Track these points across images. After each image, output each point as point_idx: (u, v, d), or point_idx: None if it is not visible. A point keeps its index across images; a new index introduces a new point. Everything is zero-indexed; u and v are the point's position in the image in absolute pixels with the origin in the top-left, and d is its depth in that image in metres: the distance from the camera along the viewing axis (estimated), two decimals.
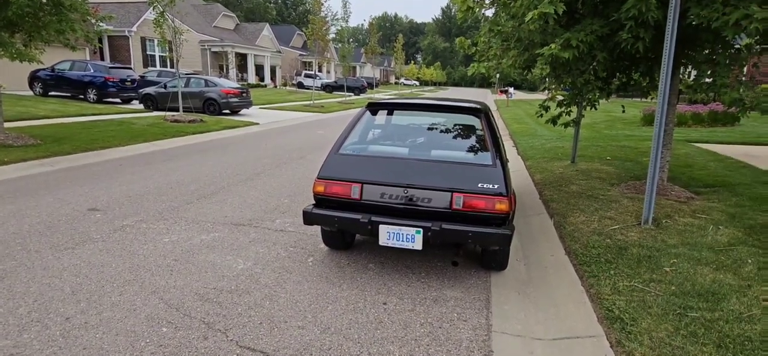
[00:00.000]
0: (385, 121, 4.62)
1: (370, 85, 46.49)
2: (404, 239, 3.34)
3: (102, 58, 26.28)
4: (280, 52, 44.73)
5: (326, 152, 3.87)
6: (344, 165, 3.70)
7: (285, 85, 42.29)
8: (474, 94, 54.90)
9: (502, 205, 3.29)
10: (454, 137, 4.29)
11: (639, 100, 27.97)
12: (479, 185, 3.34)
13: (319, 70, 37.53)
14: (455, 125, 4.39)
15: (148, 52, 28.59)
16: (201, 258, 4.02)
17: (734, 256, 3.78)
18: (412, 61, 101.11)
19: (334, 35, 25.39)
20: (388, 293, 3.47)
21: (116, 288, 3.39)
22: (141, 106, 17.22)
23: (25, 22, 8.46)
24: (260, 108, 20.48)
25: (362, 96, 36.42)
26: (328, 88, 39.16)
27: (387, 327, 2.99)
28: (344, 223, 3.50)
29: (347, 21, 33.31)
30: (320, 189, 3.64)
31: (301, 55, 52.88)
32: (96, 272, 3.65)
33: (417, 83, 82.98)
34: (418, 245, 3.33)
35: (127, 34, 26.81)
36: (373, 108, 4.28)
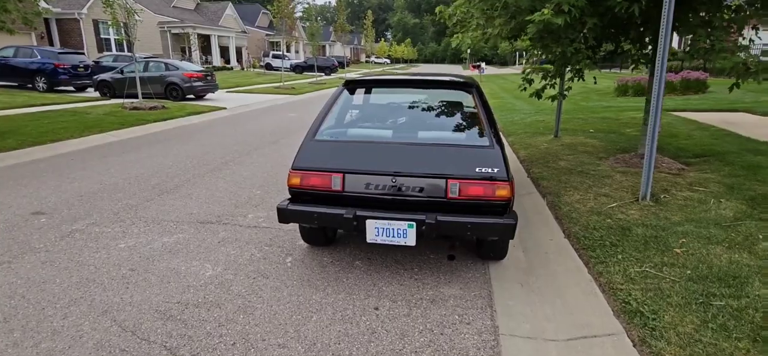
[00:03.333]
0: (364, 100, 4.17)
1: (341, 65, 45.44)
2: (395, 234, 2.95)
3: (51, 44, 24.49)
4: (245, 32, 43.05)
5: (301, 137, 3.41)
6: (322, 152, 3.26)
7: (253, 66, 40.83)
8: (445, 70, 54.62)
9: (503, 191, 2.93)
10: (444, 116, 3.88)
11: (608, 71, 28.17)
12: (477, 170, 2.96)
13: (288, 51, 36.25)
14: (443, 102, 3.99)
15: (101, 36, 26.87)
16: (162, 265, 3.53)
17: (744, 232, 3.57)
18: (383, 39, 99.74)
19: (300, 14, 24.40)
20: (380, 295, 3.09)
21: (59, 311, 2.88)
22: (96, 94, 16.09)
23: None
24: (227, 91, 19.55)
25: (333, 76, 35.51)
26: (298, 69, 37.99)
27: (382, 338, 2.62)
28: (325, 220, 3.08)
29: None
30: (296, 181, 3.19)
31: (267, 35, 51.14)
32: (35, 291, 3.12)
33: (388, 61, 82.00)
34: (411, 240, 2.95)
35: (77, 16, 25.03)
36: (351, 86, 3.82)
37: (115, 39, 26.75)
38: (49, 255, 3.70)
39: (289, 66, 29.40)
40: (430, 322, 2.77)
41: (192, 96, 16.03)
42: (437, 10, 6.28)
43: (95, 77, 16.43)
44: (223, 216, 4.63)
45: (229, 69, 35.66)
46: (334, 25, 44.42)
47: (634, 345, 2.40)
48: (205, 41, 35.66)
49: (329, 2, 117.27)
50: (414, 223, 2.91)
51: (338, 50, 60.22)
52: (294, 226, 4.26)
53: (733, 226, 3.68)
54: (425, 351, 2.50)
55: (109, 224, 4.40)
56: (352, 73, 40.75)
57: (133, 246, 3.87)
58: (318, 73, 34.03)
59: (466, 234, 2.97)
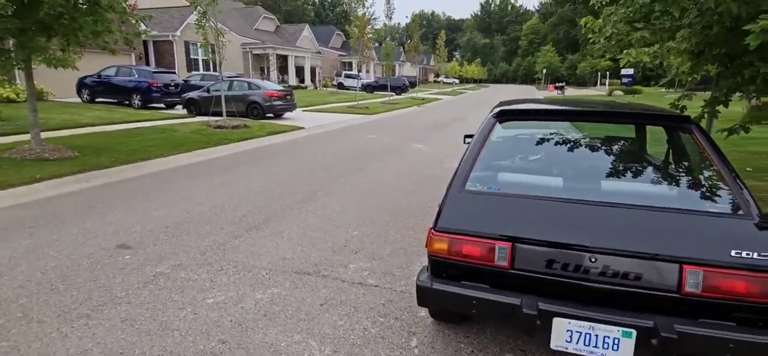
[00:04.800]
0: (522, 136, 3.21)
1: (412, 84, 45.06)
2: (598, 344, 1.99)
3: (147, 63, 26.25)
4: (319, 52, 44.10)
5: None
6: (477, 209, 2.38)
7: (325, 85, 41.57)
8: (518, 91, 52.46)
9: None
10: (651, 164, 2.83)
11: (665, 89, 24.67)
12: (733, 253, 1.93)
13: (359, 70, 36.52)
14: (642, 143, 2.97)
15: (191, 56, 28.42)
16: (257, 337, 2.81)
17: None
18: (454, 59, 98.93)
19: (370, 34, 24.09)
20: None
21: None
22: (184, 111, 16.62)
23: (60, 24, 7.68)
24: (303, 110, 19.55)
25: (404, 96, 35.06)
26: (369, 88, 38.04)
27: None
28: (490, 310, 2.19)
29: (391, 18, 32.13)
30: (441, 247, 2.34)
31: (340, 55, 52.14)
32: None
33: (457, 81, 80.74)
34: None
35: (171, 38, 26.66)
36: (505, 117, 2.91)
37: (203, 59, 28.17)
38: (130, 309, 3.13)
39: (360, 85, 29.47)
40: None
41: (271, 114, 16.06)
42: (583, 20, 5.21)
43: (183, 95, 17.02)
44: (321, 266, 3.89)
45: (303, 88, 36.46)
46: (406, 44, 44.26)
47: None
48: (282, 61, 36.83)
49: (399, 23, 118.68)
50: (633, 332, 1.93)
51: (408, 70, 60.10)
52: (410, 286, 3.42)
53: None
54: None
55: (196, 268, 3.81)
56: (422, 93, 40.12)
57: (222, 304, 3.22)
58: (390, 93, 33.76)
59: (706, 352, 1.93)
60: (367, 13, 24.21)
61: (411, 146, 10.89)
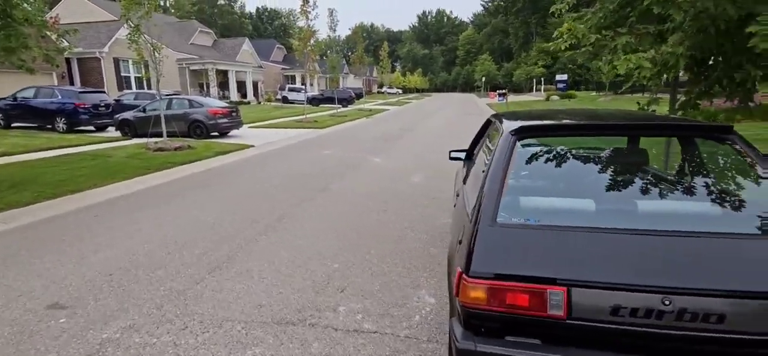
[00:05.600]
0: (544, 155, 2.85)
1: (358, 96, 44.83)
2: None
3: (71, 83, 23.98)
4: (261, 66, 42.79)
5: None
6: (516, 245, 2.01)
7: (269, 100, 40.28)
8: (461, 99, 53.77)
9: None
10: (691, 180, 2.57)
11: (639, 95, 26.63)
12: None
13: (302, 83, 35.69)
14: (688, 159, 2.73)
15: (122, 74, 26.36)
16: None
17: None
18: (396, 70, 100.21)
19: (312, 46, 23.42)
20: None
21: None
22: (117, 134, 15.19)
23: None
24: (249, 127, 18.60)
25: (351, 108, 34.72)
26: (315, 101, 37.30)
27: None
28: None
29: (335, 30, 31.77)
30: (478, 296, 1.94)
31: (283, 68, 50.98)
32: None
33: (400, 91, 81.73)
34: None
35: (98, 55, 24.55)
36: (525, 134, 2.57)
37: (135, 77, 26.24)
38: None
39: (305, 99, 28.73)
40: None
41: (216, 133, 15.07)
42: (559, 31, 5.09)
43: (116, 116, 15.58)
44: (306, 311, 3.37)
45: (246, 103, 35.09)
46: (351, 56, 44.03)
47: None
48: (223, 76, 35.28)
49: (339, 36, 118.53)
50: None
51: (352, 81, 59.92)
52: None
53: None
54: None
55: (153, 328, 3.17)
56: (369, 104, 39.98)
57: None
58: (337, 105, 33.23)
59: None
60: (309, 26, 23.58)
61: (370, 160, 10.50)
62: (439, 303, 3.46)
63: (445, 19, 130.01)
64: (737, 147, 2.30)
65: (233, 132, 16.14)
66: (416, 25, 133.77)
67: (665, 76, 5.71)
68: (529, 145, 2.67)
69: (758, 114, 13.01)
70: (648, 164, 3.02)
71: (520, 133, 2.48)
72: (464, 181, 3.30)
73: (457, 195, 3.45)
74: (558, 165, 2.81)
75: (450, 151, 4.58)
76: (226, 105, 16.68)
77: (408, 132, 17.27)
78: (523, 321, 1.89)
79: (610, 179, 2.64)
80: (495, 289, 1.91)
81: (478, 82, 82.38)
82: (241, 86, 37.41)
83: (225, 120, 15.19)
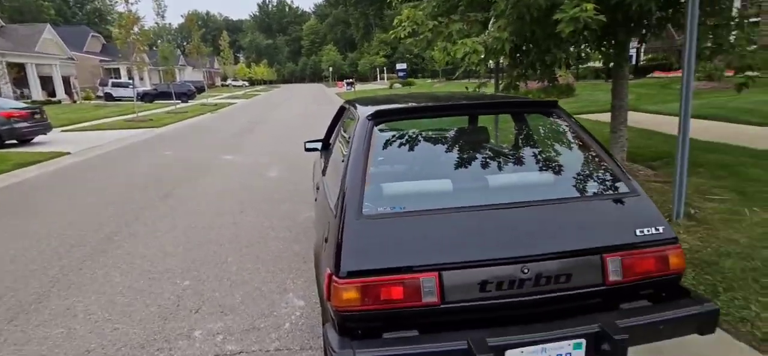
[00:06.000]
0: (398, 139, 2.78)
1: (200, 90, 41.13)
2: None
3: None
4: (72, 58, 36.21)
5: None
6: (384, 237, 1.91)
7: (88, 98, 34.28)
8: (311, 89, 53.53)
9: (677, 259, 1.98)
10: (534, 154, 2.72)
11: (467, 80, 29.85)
12: (637, 232, 1.97)
13: (129, 77, 31.23)
14: (521, 133, 2.91)
15: None
16: None
17: None
18: (241, 62, 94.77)
19: (136, 34, 20.50)
20: None
21: None
22: None
23: None
24: (62, 130, 15.57)
25: (192, 103, 31.68)
26: (148, 97, 33.00)
27: None
28: None
29: (163, 17, 28.50)
30: (352, 297, 1.79)
31: (102, 61, 44.04)
32: None
33: (247, 83, 77.78)
34: None
35: None
36: (380, 118, 2.48)
37: None
38: None
39: (135, 95, 24.86)
40: None
41: (14, 140, 12.21)
42: (397, 20, 5.18)
43: None
44: (151, 345, 2.83)
45: (55, 102, 29.34)
46: (186, 46, 39.87)
47: None
48: (19, 70, 28.83)
49: (170, 24, 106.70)
50: (583, 342, 1.77)
51: (191, 74, 54.82)
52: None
53: None
54: None
55: None
56: (214, 98, 37.05)
57: None
58: (176, 101, 29.94)
59: (653, 340, 1.94)
60: (131, 11, 20.56)
61: (220, 159, 9.65)
62: (308, 304, 3.26)
63: (287, 9, 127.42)
64: (562, 119, 2.58)
65: (40, 138, 13.30)
66: (257, 14, 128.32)
67: (491, 61, 6.36)
68: (384, 130, 2.61)
69: (555, 91, 15.65)
70: (489, 141, 3.25)
71: (375, 118, 2.39)
72: (323, 172, 3.14)
73: (318, 188, 3.27)
74: (412, 148, 2.82)
75: (305, 142, 4.37)
76: (26, 106, 13.62)
77: (260, 125, 16.43)
78: (400, 315, 1.81)
79: (462, 158, 2.74)
80: (368, 287, 1.78)
81: (325, 72, 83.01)
82: (46, 82, 31.14)
83: (25, 124, 12.38)
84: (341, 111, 3.78)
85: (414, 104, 2.66)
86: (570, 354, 1.76)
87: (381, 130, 2.52)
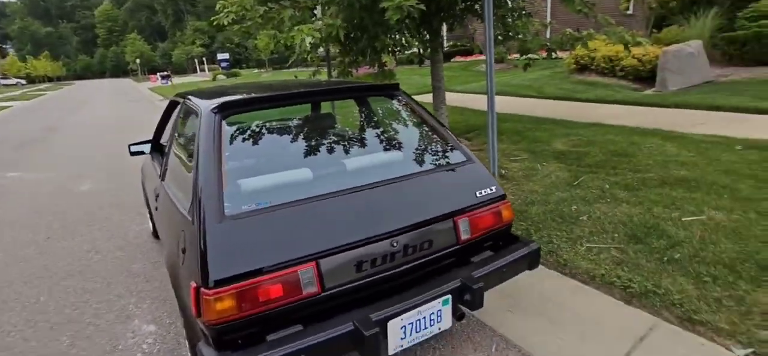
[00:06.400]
0: (247, 132, 2.61)
1: None
2: (426, 324, 1.95)
3: None
4: None
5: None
6: (252, 236, 1.82)
7: None
8: (115, 85, 46.22)
9: (507, 212, 2.37)
10: (380, 136, 2.85)
11: (297, 69, 29.61)
12: (477, 194, 2.29)
13: None
14: (367, 117, 2.98)
15: None
16: None
17: (595, 186, 4.22)
18: (9, 54, 75.87)
19: None
20: None
21: None
22: None
23: None
24: None
25: None
26: None
27: None
28: (321, 352, 1.75)
29: None
30: (227, 306, 1.68)
31: None
32: None
33: (23, 81, 63.15)
34: (446, 322, 2.02)
35: None
36: (228, 110, 2.30)
37: None
38: None
39: None
40: None
41: None
42: (221, 4, 4.79)
43: None
44: None
45: None
46: None
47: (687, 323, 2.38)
48: None
49: None
50: (449, 297, 1.99)
51: None
52: None
53: (583, 184, 4.32)
54: None
55: None
56: None
57: None
58: None
59: (499, 283, 2.26)
60: None
61: (4, 176, 7.71)
62: (161, 327, 2.91)
63: None
64: (403, 101, 2.82)
65: None
66: None
67: (321, 48, 6.49)
68: (232, 123, 2.46)
69: (382, 77, 16.73)
70: (336, 126, 3.34)
71: (222, 110, 2.24)
72: (162, 177, 2.80)
73: (157, 196, 2.91)
74: (264, 140, 2.75)
75: (129, 145, 3.83)
76: None
77: (55, 131, 13.57)
78: (282, 313, 1.78)
79: (316, 146, 2.77)
80: (244, 292, 1.70)
81: (132, 64, 72.57)
82: None
83: None
84: (172, 106, 3.42)
85: (260, 94, 2.56)
86: (440, 310, 1.97)
87: (229, 124, 2.37)
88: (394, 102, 2.85)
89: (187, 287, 1.86)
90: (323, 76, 7.42)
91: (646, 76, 10.00)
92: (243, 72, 46.13)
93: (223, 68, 45.42)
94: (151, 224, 4.39)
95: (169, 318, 2.99)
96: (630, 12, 19.63)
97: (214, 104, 2.25)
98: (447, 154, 2.53)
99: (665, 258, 2.94)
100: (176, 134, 2.89)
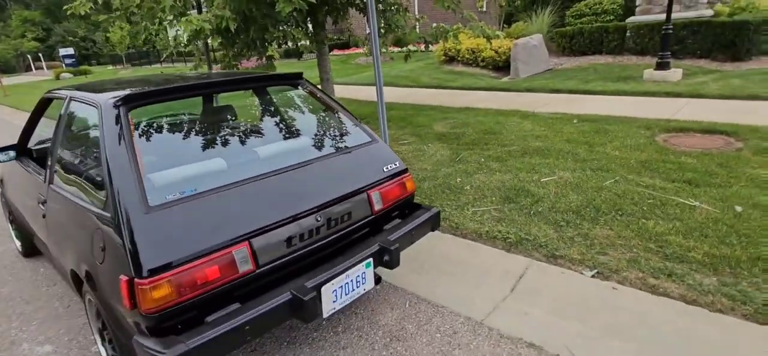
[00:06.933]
0: (153, 124, 2.52)
1: None
2: (354, 287, 2.18)
3: None
4: None
5: None
6: (180, 224, 1.85)
7: None
8: None
9: (410, 183, 2.70)
10: (287, 122, 2.94)
11: (114, 68, 26.41)
12: (384, 169, 2.57)
13: None
14: (272, 106, 3.01)
15: None
16: None
17: (474, 160, 4.83)
18: None
19: None
20: None
21: None
22: None
23: None
24: None
25: None
26: None
27: None
28: (264, 324, 1.86)
29: None
30: (165, 294, 1.71)
31: None
32: None
33: None
34: (370, 283, 2.27)
35: None
36: (133, 102, 2.19)
37: None
38: None
39: None
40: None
41: None
42: None
43: None
44: None
45: None
46: None
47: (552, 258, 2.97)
48: None
49: None
50: (371, 260, 2.24)
51: None
52: None
53: (463, 160, 4.91)
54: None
55: None
56: None
57: None
58: None
59: (410, 244, 2.56)
60: None
61: None
62: (59, 346, 2.67)
63: None
64: (308, 89, 2.98)
65: None
66: None
67: (200, 42, 6.24)
68: (135, 116, 2.39)
69: (268, 68, 16.33)
70: (236, 116, 3.36)
71: (127, 103, 2.17)
72: (50, 181, 2.57)
73: (42, 202, 2.64)
74: (170, 132, 2.73)
75: (4, 149, 3.35)
76: None
77: None
78: (220, 293, 1.85)
79: (226, 135, 2.80)
80: (181, 277, 1.75)
81: None
82: None
83: None
84: (45, 103, 3.10)
85: (162, 86, 2.51)
86: (364, 273, 2.22)
87: (135, 116, 2.30)
88: (300, 90, 2.99)
89: (112, 285, 1.83)
90: (204, 69, 7.09)
91: (502, 65, 11.44)
92: (95, 69, 40.41)
93: (68, 65, 39.10)
94: (17, 242, 3.86)
95: (68, 335, 2.75)
96: (484, 10, 21.95)
97: (115, 97, 2.17)
98: (354, 136, 2.77)
99: (532, 212, 3.59)
100: (63, 133, 2.65)
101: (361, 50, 18.18)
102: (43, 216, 2.63)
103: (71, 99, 2.59)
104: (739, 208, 3.32)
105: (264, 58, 6.13)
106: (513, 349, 2.31)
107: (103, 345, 2.36)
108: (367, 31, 4.82)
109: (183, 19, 3.96)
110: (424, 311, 2.69)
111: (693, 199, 3.53)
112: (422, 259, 3.19)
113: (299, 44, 6.08)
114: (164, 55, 6.11)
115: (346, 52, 22.83)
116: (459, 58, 12.38)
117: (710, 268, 2.72)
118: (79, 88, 2.68)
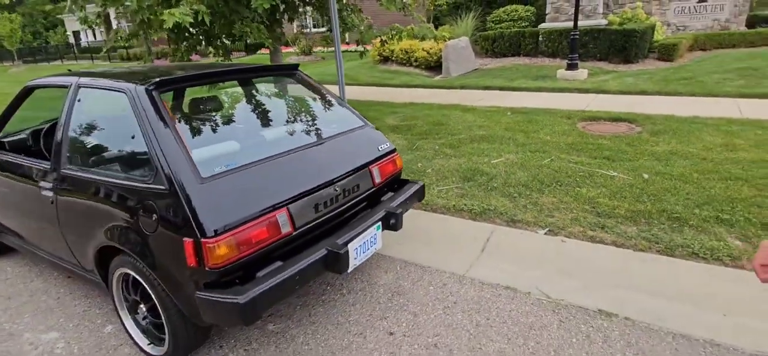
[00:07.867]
0: (179, 106, 2.71)
1: None
2: (368, 246, 2.55)
3: None
4: None
5: None
6: (230, 192, 2.11)
7: None
8: None
9: (399, 160, 3.12)
10: (290, 108, 3.24)
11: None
12: (378, 148, 2.96)
13: None
14: (277, 94, 3.24)
15: None
16: None
17: (428, 148, 5.34)
18: None
19: None
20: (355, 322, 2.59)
21: None
22: None
23: None
24: None
25: None
26: None
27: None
28: (307, 275, 2.17)
29: None
30: (227, 252, 1.97)
31: None
32: None
33: None
34: (379, 243, 2.65)
35: None
36: (164, 87, 2.36)
37: None
38: None
39: None
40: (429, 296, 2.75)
41: None
42: None
43: None
44: None
45: None
46: None
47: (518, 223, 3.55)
48: None
49: None
50: (379, 223, 2.62)
51: None
52: None
53: (420, 148, 5.41)
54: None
55: None
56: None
57: None
58: None
59: (406, 210, 2.95)
60: None
61: None
62: (66, 332, 2.71)
63: None
64: (304, 79, 3.28)
65: None
66: None
67: (152, 35, 6.15)
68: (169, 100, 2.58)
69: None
70: (250, 102, 3.53)
71: (160, 87, 2.35)
72: (57, 168, 2.62)
73: (46, 191, 2.66)
74: (195, 115, 2.96)
75: None
76: None
77: None
78: (267, 252, 2.14)
79: (244, 120, 3.09)
80: (238, 236, 2.02)
81: None
82: None
83: None
84: (27, 93, 3.08)
85: (185, 74, 2.75)
86: (376, 234, 2.61)
87: (164, 99, 2.48)
88: (295, 80, 3.29)
89: (170, 250, 2.04)
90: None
91: (433, 65, 12.24)
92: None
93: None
94: None
95: (70, 322, 2.79)
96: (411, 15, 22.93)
97: (147, 83, 2.34)
98: (351, 120, 3.13)
99: (489, 187, 4.18)
100: (75, 119, 2.67)
101: (292, 48, 18.17)
102: (38, 207, 2.67)
103: (79, 86, 2.65)
104: (646, 175, 4.18)
105: (221, 53, 6.18)
106: (494, 291, 2.83)
107: (133, 317, 2.50)
108: (302, 31, 5.08)
109: (167, 11, 3.97)
110: (414, 271, 3.13)
111: (612, 171, 4.35)
112: (403, 232, 3.61)
113: (259, 40, 6.21)
114: (105, 49, 5.77)
115: (285, 50, 22.51)
116: (393, 58, 12.99)
117: (631, 221, 3.47)
118: (93, 74, 2.75)
